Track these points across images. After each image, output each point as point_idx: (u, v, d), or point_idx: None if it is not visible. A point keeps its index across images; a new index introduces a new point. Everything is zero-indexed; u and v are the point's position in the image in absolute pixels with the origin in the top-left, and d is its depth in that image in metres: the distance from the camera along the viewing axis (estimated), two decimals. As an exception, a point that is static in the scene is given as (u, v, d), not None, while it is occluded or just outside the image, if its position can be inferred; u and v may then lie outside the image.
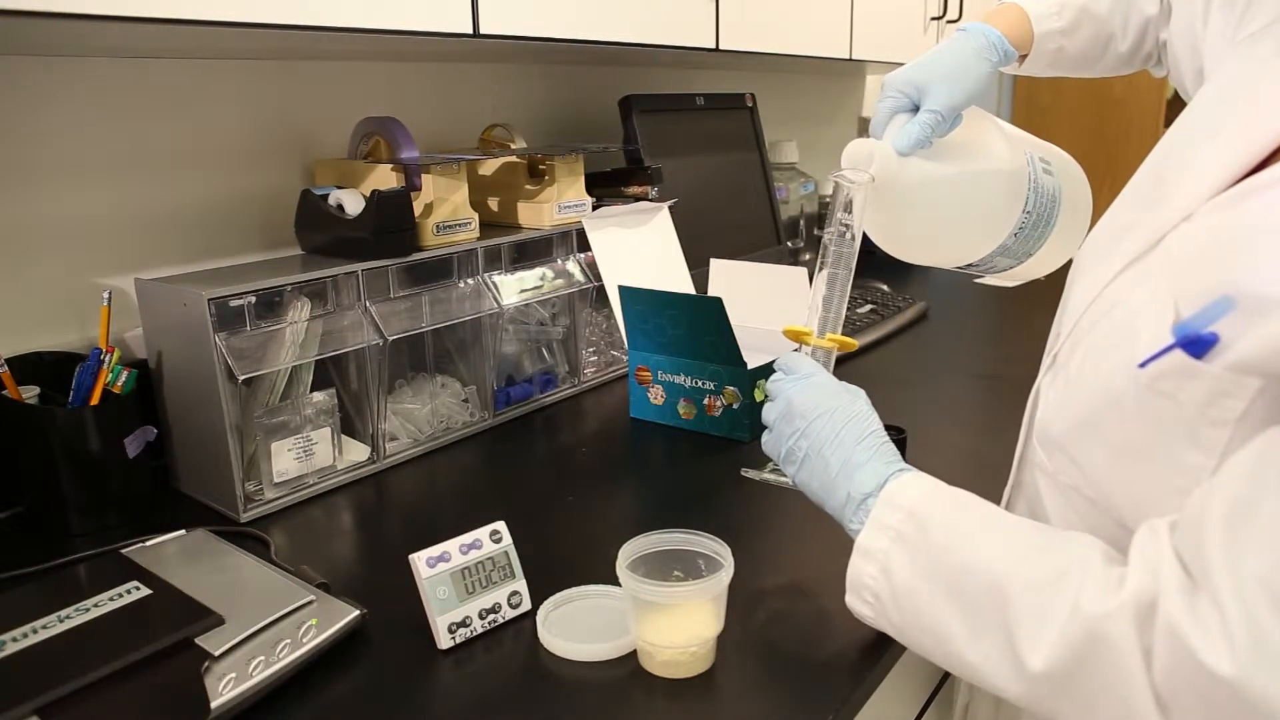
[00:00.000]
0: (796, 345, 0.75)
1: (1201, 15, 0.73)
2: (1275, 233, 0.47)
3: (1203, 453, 0.49)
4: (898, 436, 0.79)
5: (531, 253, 1.21)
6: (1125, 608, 0.47)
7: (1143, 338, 0.52)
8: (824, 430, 0.66)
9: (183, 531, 0.82)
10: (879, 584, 0.61)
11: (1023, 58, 0.84)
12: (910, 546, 0.59)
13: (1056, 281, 0.71)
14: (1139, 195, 0.65)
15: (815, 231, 2.00)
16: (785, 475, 0.70)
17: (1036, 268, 0.84)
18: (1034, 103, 3.43)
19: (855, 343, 0.76)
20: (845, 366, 1.35)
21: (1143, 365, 0.50)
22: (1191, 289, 0.50)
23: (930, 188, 0.74)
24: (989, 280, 0.86)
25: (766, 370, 1.09)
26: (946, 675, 0.93)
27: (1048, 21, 0.82)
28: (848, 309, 0.75)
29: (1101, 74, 0.88)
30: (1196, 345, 0.47)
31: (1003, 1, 0.84)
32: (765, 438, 0.71)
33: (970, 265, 0.81)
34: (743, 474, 0.81)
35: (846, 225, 0.73)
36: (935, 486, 0.62)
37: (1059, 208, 0.79)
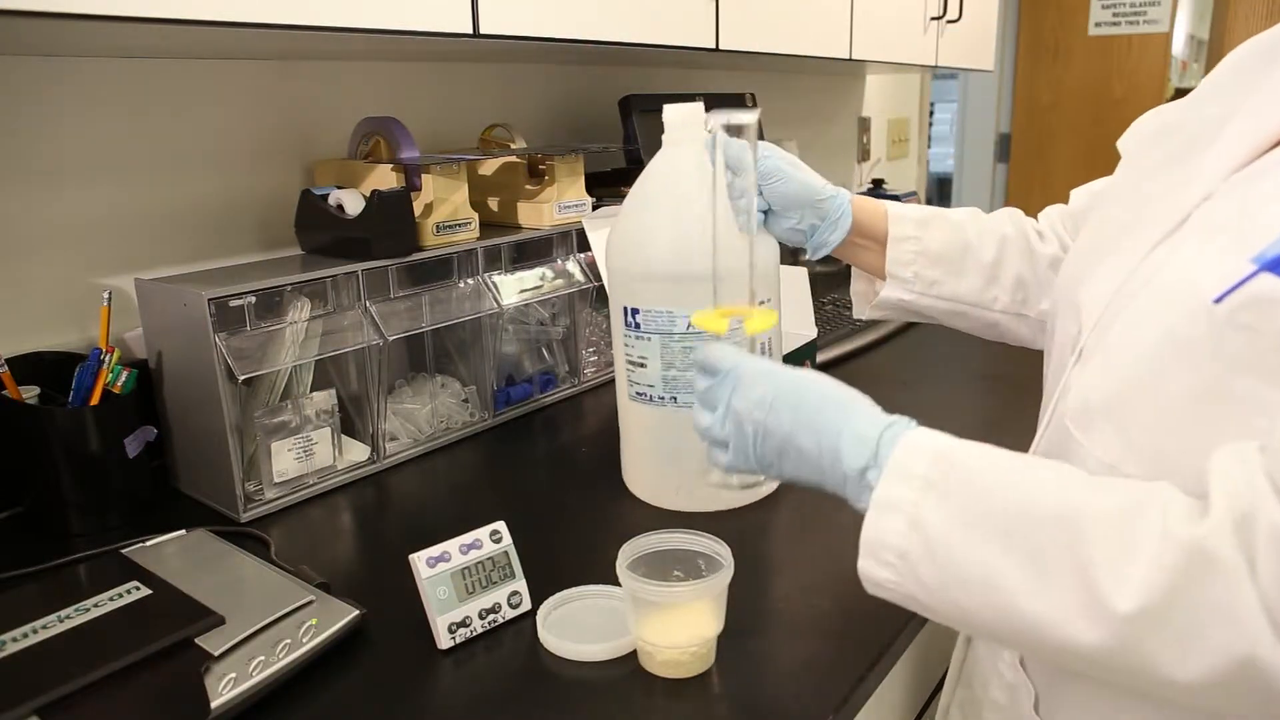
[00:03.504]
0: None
1: None
2: None
3: None
4: None
5: (531, 253, 1.21)
6: (1222, 524, 0.44)
7: (1205, 281, 0.49)
8: (781, 422, 0.58)
9: (183, 531, 0.82)
10: (907, 540, 0.53)
11: (882, 251, 0.86)
12: (943, 493, 0.52)
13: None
14: (1134, 190, 0.65)
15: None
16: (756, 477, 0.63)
17: None
18: (1034, 102, 3.44)
19: (774, 316, 0.70)
20: (846, 368, 1.36)
21: (1219, 300, 0.48)
22: (1255, 228, 0.48)
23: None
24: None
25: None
26: (946, 677, 0.93)
27: (901, 209, 0.85)
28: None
29: (973, 299, 0.85)
30: None
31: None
32: (729, 458, 0.62)
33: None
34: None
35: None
36: (951, 437, 0.57)
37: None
